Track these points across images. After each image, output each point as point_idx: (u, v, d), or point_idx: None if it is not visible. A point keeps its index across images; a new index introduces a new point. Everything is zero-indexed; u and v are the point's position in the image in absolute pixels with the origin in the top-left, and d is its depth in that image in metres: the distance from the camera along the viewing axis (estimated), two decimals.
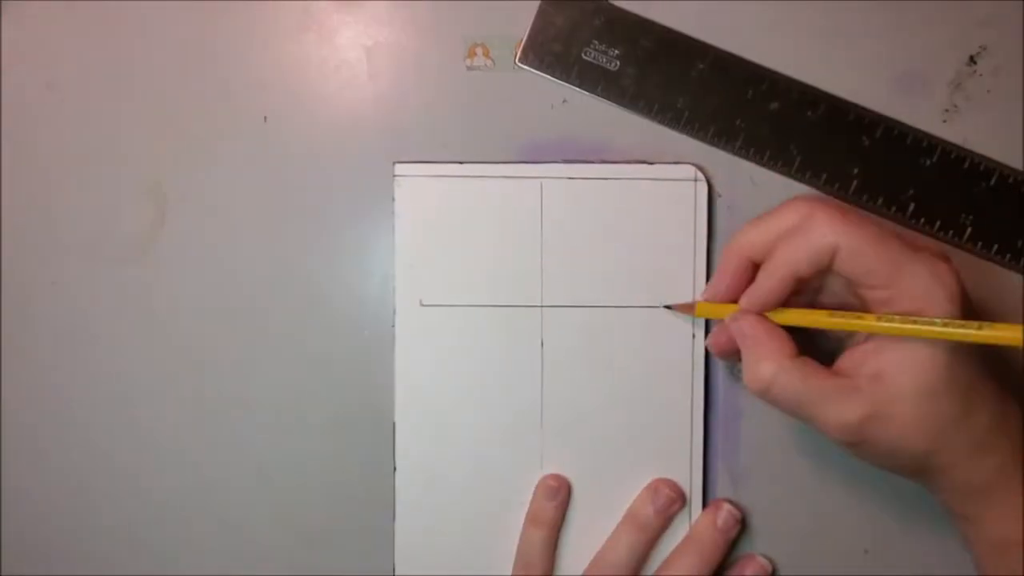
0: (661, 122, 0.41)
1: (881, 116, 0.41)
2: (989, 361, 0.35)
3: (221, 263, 0.42)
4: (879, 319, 0.35)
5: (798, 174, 0.41)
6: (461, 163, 0.41)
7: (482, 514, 0.42)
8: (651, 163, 0.41)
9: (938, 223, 0.40)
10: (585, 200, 0.41)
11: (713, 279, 0.39)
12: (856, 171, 0.41)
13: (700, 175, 0.41)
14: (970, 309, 0.35)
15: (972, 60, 0.41)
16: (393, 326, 0.41)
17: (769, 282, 0.36)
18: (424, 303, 0.41)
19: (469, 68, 0.42)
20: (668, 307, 0.41)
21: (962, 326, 0.33)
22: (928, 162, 0.40)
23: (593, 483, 0.42)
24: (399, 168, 0.41)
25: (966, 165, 0.40)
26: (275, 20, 0.42)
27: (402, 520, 0.41)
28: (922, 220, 0.40)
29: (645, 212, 0.41)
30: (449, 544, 0.42)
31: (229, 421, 0.42)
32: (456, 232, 0.41)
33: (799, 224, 0.36)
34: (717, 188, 0.41)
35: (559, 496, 0.41)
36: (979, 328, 0.33)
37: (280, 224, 0.42)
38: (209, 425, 0.42)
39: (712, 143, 0.41)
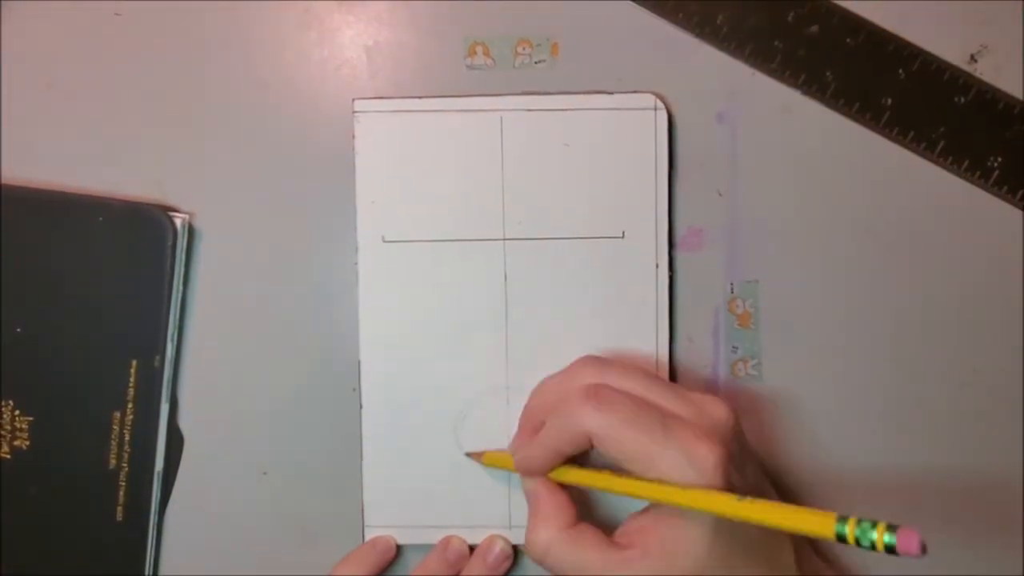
0: (699, 36, 0.41)
1: (920, 50, 0.40)
2: (760, 541, 0.35)
3: (223, 262, 0.42)
4: (654, 486, 0.33)
5: (831, 101, 0.41)
6: (420, 98, 0.41)
7: (449, 450, 0.42)
8: (610, 93, 0.41)
9: (966, 162, 0.40)
10: (545, 132, 0.41)
11: (516, 434, 0.39)
12: (889, 102, 0.40)
13: (660, 104, 0.41)
14: (764, 487, 0.36)
15: (973, 59, 0.41)
16: (356, 264, 0.41)
17: (537, 451, 0.37)
18: (386, 239, 0.41)
19: (469, 67, 0.42)
20: (467, 454, 0.41)
21: (723, 497, 0.32)
22: (962, 100, 0.40)
23: None
24: (358, 104, 0.41)
25: (1000, 106, 0.40)
26: (276, 20, 0.42)
27: (369, 458, 0.42)
28: (951, 159, 0.40)
29: (605, 142, 0.41)
30: (417, 481, 0.42)
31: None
32: (417, 167, 0.41)
33: (563, 402, 0.36)
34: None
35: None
36: (742, 500, 0.31)
37: (281, 224, 0.42)
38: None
39: (748, 62, 0.41)
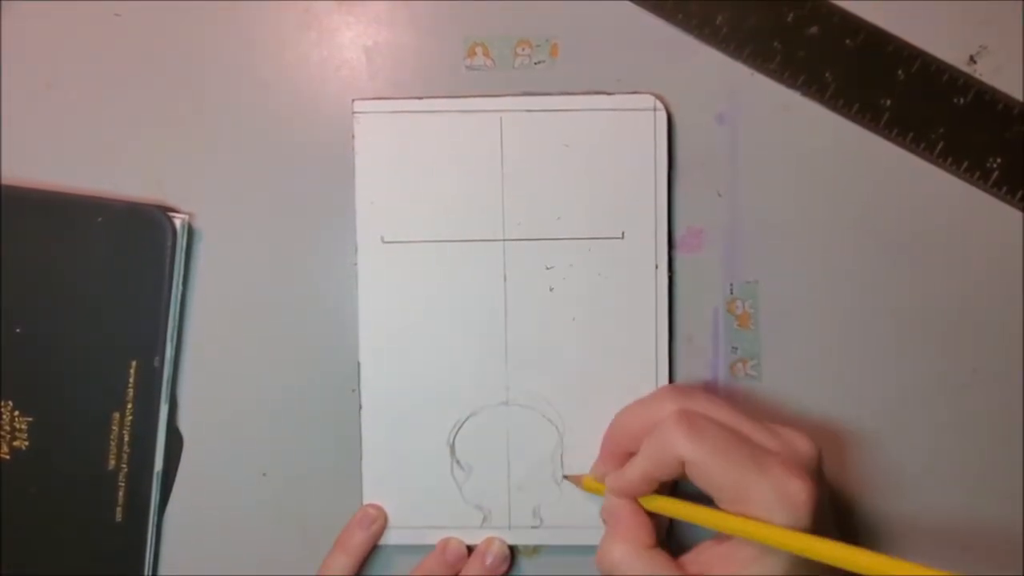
0: (699, 37, 0.41)
1: (920, 51, 0.40)
2: None
3: (223, 262, 0.42)
4: (744, 522, 0.33)
5: (831, 102, 0.41)
6: (420, 98, 0.41)
7: (447, 451, 0.42)
8: (610, 93, 0.41)
9: (966, 163, 0.40)
10: (545, 133, 0.41)
11: (596, 460, 0.40)
12: (888, 103, 0.40)
13: (659, 104, 0.41)
14: (831, 525, 0.35)
15: (972, 59, 0.41)
16: (355, 264, 0.41)
17: (629, 475, 0.37)
18: (386, 240, 0.41)
19: (469, 68, 0.42)
20: (565, 477, 0.41)
21: (821, 541, 0.32)
22: (961, 101, 0.40)
23: (558, 417, 0.42)
24: (358, 105, 0.41)
25: (1000, 107, 0.40)
26: (276, 19, 0.42)
27: (369, 458, 0.42)
28: (950, 160, 0.40)
29: (605, 143, 0.41)
30: (417, 481, 0.42)
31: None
32: (416, 168, 0.41)
33: (657, 429, 0.35)
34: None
35: (373, 527, 0.41)
36: (835, 546, 0.31)
37: (281, 225, 0.42)
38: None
39: (748, 63, 0.41)
